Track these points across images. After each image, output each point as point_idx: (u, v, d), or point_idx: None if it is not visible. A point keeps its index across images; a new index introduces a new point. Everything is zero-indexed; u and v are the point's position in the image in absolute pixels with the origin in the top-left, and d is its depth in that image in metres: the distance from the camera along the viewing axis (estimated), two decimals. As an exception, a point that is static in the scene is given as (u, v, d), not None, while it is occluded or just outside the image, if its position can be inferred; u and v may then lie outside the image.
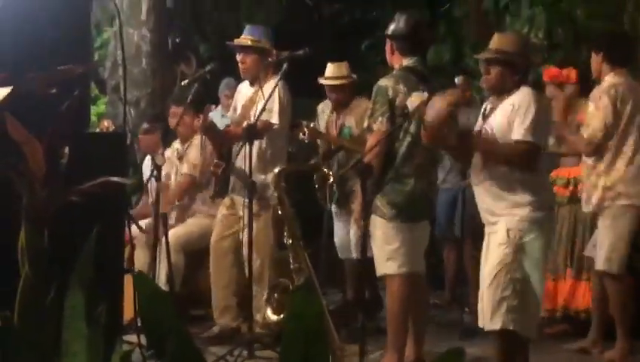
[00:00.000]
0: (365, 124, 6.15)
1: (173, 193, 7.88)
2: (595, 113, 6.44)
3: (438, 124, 5.34)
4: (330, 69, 7.76)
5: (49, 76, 3.09)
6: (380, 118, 5.88)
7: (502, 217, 5.30)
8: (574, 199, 7.23)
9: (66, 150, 2.98)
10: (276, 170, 6.06)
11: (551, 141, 6.89)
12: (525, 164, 5.28)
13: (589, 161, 6.60)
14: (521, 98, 5.31)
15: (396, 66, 6.16)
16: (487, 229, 5.44)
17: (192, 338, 5.92)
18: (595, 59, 6.65)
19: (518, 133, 5.23)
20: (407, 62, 6.13)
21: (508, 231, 5.23)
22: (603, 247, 6.49)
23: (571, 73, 7.22)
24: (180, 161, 8.06)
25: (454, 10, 11.55)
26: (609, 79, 6.50)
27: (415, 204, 6.11)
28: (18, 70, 3.08)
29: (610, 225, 6.47)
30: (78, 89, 3.19)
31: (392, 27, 6.26)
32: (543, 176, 5.55)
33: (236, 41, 7.07)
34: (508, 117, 5.30)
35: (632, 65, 6.83)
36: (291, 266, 5.72)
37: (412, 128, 5.93)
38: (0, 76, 2.90)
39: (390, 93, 5.90)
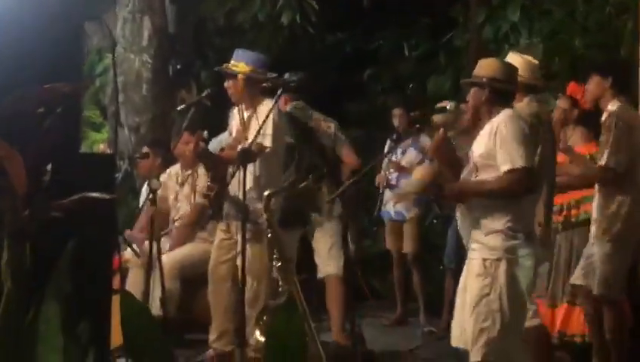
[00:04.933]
0: None
1: (186, 221, 7.97)
2: (609, 142, 6.41)
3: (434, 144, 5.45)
4: None
5: (35, 94, 3.11)
6: None
7: (478, 245, 5.30)
8: (568, 224, 7.28)
9: (49, 167, 2.98)
10: (266, 193, 6.11)
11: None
12: (523, 191, 5.24)
13: (607, 190, 6.58)
14: (500, 120, 5.31)
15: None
16: (468, 254, 5.44)
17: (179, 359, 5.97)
18: (599, 84, 6.60)
19: (505, 162, 5.20)
20: None
21: (484, 261, 5.22)
22: (604, 274, 6.45)
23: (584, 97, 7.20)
24: (181, 186, 8.11)
25: (455, 40, 11.54)
26: (615, 106, 6.48)
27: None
28: (3, 87, 3.07)
29: (617, 252, 6.46)
30: (66, 108, 3.19)
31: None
32: (520, 200, 5.35)
33: (224, 67, 7.08)
34: (486, 141, 5.31)
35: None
36: (279, 289, 5.74)
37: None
38: None
39: None
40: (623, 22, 9.11)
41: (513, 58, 6.08)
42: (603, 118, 6.53)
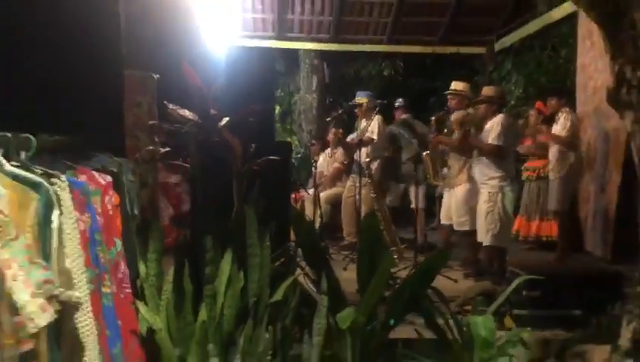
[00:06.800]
0: None
1: (331, 176, 7.89)
2: (566, 128, 5.97)
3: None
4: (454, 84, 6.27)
5: (249, 110, 3.24)
6: None
7: (485, 184, 5.27)
8: (539, 177, 7.01)
9: (253, 146, 3.11)
10: (366, 160, 6.28)
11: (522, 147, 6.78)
12: (497, 155, 5.21)
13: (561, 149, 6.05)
14: (496, 120, 5.25)
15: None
16: (480, 189, 5.38)
17: (327, 245, 6.03)
18: (556, 101, 6.18)
19: (492, 140, 5.19)
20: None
21: (489, 193, 5.21)
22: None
23: (547, 109, 6.91)
24: (330, 158, 8.12)
25: (478, 80, 11.20)
26: (566, 111, 6.07)
27: None
28: (231, 106, 3.15)
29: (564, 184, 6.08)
30: (261, 117, 3.26)
31: None
32: (508, 161, 5.32)
33: (353, 101, 7.11)
34: (488, 130, 5.27)
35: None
36: (375, 207, 5.82)
37: None
38: (214, 111, 3.06)
39: None
40: (569, 67, 8.77)
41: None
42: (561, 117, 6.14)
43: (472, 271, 5.55)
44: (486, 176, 5.28)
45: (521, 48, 9.87)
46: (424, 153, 6.16)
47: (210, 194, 2.98)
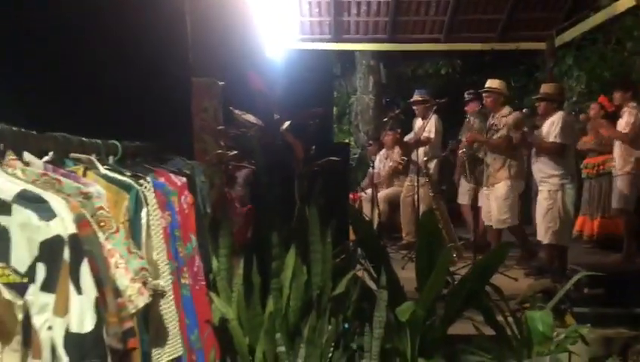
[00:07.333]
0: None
1: (387, 174, 7.92)
2: (629, 125, 5.86)
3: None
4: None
5: (309, 113, 3.37)
6: None
7: (544, 182, 5.24)
8: (599, 174, 6.90)
9: (313, 148, 3.24)
10: (424, 159, 6.25)
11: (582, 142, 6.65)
12: (558, 154, 5.18)
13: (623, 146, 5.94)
14: (555, 118, 5.22)
15: None
16: (539, 187, 5.37)
17: (385, 244, 6.04)
18: (621, 94, 6.07)
19: (553, 137, 5.16)
20: None
21: (548, 191, 5.20)
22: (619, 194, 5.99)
23: (611, 105, 6.80)
24: (386, 159, 8.12)
25: (539, 76, 11.01)
26: (630, 107, 5.94)
27: None
28: (291, 109, 3.27)
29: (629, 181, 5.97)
30: (320, 120, 3.38)
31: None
32: (569, 159, 5.27)
33: (412, 99, 7.12)
34: (548, 128, 5.23)
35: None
36: (434, 206, 5.85)
37: None
38: (276, 116, 3.20)
39: None
40: (634, 60, 8.54)
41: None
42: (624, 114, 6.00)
43: (531, 269, 5.52)
44: (545, 173, 5.25)
45: (582, 43, 9.64)
46: (460, 151, 6.12)
47: (274, 194, 3.08)
